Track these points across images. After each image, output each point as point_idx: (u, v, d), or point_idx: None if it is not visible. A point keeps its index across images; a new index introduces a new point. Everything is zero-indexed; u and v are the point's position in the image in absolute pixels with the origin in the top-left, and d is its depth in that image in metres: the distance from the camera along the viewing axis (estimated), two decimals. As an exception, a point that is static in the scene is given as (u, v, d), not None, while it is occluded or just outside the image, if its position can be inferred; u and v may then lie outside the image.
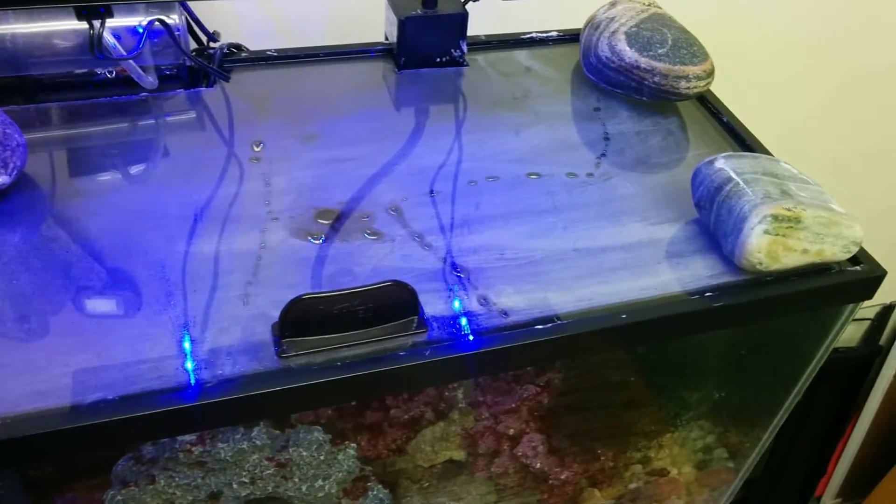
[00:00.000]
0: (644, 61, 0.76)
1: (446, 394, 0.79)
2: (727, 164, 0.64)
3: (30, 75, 0.69)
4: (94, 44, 0.61)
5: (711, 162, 0.65)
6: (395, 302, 0.54)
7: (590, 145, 0.76)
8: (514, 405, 0.78)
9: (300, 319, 0.52)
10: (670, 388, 0.84)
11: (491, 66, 0.84)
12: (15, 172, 0.59)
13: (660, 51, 0.77)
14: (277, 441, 0.73)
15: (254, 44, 0.81)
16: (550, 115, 0.79)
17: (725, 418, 0.83)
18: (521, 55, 0.87)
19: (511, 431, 0.78)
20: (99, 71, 0.71)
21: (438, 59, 0.82)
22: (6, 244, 0.58)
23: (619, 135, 0.77)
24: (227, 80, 0.72)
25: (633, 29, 0.78)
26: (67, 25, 0.69)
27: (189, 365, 0.51)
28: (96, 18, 0.60)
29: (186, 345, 0.52)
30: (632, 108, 0.81)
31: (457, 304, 0.58)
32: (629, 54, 0.77)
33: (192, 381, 0.50)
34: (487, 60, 0.85)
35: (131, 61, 0.65)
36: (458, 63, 0.83)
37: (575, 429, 0.80)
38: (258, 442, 0.72)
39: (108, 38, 0.63)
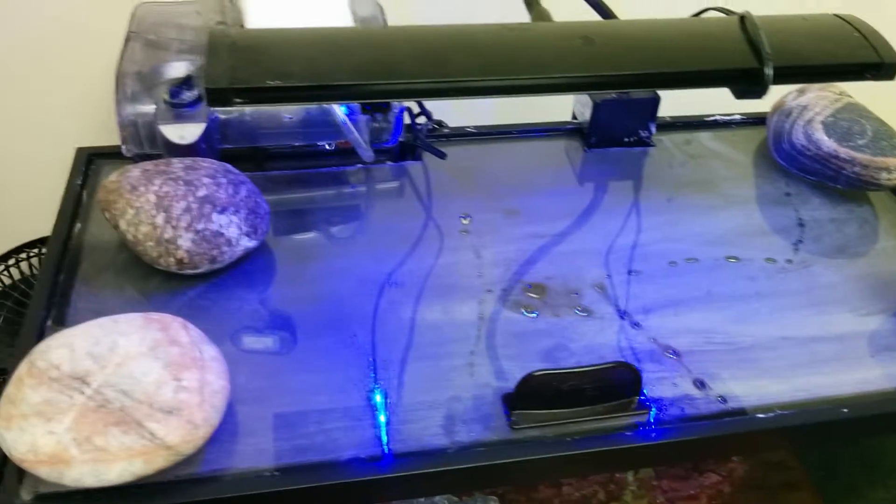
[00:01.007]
0: (843, 151, 0.76)
1: (617, 475, 0.78)
2: (948, 260, 0.63)
3: (260, 146, 0.75)
4: (373, 137, 0.68)
5: (929, 256, 0.64)
6: (621, 382, 0.55)
7: (784, 231, 0.76)
8: (693, 492, 0.77)
9: (533, 393, 0.54)
10: (852, 486, 0.81)
11: (677, 148, 0.86)
12: (262, 237, 0.64)
13: (860, 141, 0.76)
14: (457, 506, 0.75)
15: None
16: (741, 199, 0.79)
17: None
18: (705, 136, 0.88)
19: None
20: (320, 143, 0.76)
21: (627, 140, 0.85)
22: (249, 302, 0.63)
23: (814, 221, 0.77)
24: (443, 157, 0.76)
25: (830, 118, 0.79)
26: (294, 104, 0.75)
27: (427, 430, 0.54)
28: (380, 112, 0.66)
29: (395, 408, 0.55)
30: (823, 194, 0.80)
31: (674, 387, 0.58)
32: (827, 143, 0.77)
33: (435, 447, 0.53)
34: (672, 141, 0.87)
35: (359, 138, 0.70)
36: (646, 143, 0.85)
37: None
38: (442, 506, 0.74)
39: (350, 125, 0.68)
